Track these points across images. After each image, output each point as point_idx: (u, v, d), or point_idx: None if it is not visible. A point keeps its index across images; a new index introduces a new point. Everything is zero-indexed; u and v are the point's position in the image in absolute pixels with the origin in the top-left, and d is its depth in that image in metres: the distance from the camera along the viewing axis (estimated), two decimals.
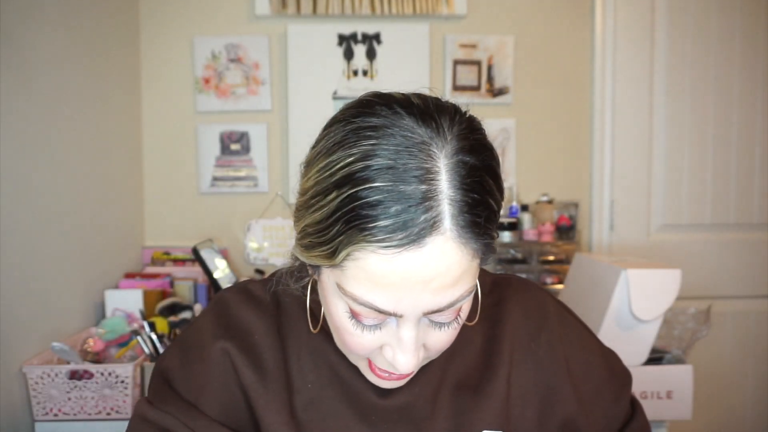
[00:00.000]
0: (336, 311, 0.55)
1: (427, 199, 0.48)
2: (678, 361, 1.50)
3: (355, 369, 0.63)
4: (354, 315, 0.54)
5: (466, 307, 0.56)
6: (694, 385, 1.46)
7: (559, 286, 1.98)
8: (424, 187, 0.48)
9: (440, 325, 0.55)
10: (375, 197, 0.47)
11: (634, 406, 0.76)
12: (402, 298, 0.50)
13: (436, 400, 0.65)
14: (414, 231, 0.47)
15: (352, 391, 0.64)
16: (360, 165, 0.49)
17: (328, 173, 0.51)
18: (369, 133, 0.50)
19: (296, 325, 0.67)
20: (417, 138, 0.49)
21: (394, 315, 0.52)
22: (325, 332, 0.65)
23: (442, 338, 0.56)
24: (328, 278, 0.55)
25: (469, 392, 0.66)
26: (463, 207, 0.49)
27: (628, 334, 1.42)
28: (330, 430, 0.63)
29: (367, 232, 0.48)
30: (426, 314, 0.52)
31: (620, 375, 0.75)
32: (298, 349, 0.66)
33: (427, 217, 0.48)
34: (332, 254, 0.51)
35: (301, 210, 0.55)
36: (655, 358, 1.50)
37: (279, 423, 0.62)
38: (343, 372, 0.65)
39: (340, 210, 0.49)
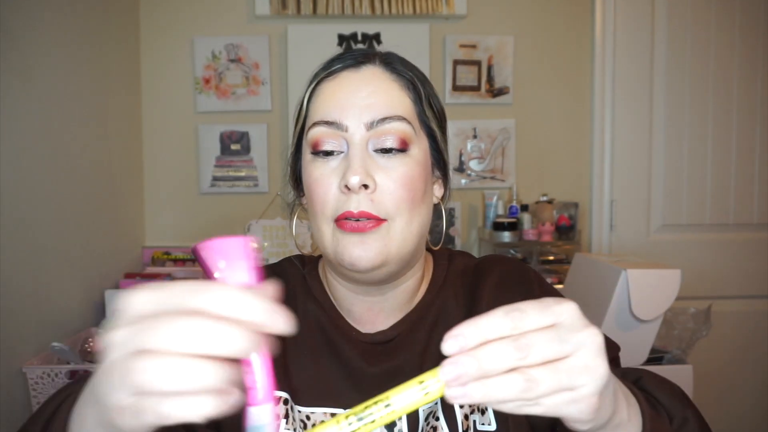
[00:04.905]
0: (308, 168, 0.68)
1: (364, 54, 0.70)
2: (678, 361, 1.51)
3: (347, 337, 0.71)
4: (315, 147, 0.66)
5: (415, 154, 0.67)
6: (694, 385, 1.46)
7: (559, 286, 1.97)
8: (362, 50, 0.71)
9: (387, 156, 0.65)
10: (329, 59, 0.71)
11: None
12: (345, 108, 0.65)
13: (422, 366, 0.69)
14: (352, 60, 0.69)
15: (344, 358, 0.70)
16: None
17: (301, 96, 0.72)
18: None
19: (294, 299, 0.74)
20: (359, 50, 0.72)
21: (340, 126, 0.65)
22: (320, 302, 0.74)
23: (390, 174, 0.65)
24: (305, 161, 0.69)
25: None
26: (390, 56, 0.70)
27: (628, 333, 1.42)
28: (324, 394, 0.69)
29: (322, 72, 0.70)
30: (367, 128, 0.65)
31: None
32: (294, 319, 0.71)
33: (364, 54, 0.70)
34: (303, 110, 0.69)
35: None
36: (655, 358, 1.50)
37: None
38: (336, 340, 0.71)
39: (310, 82, 0.71)
